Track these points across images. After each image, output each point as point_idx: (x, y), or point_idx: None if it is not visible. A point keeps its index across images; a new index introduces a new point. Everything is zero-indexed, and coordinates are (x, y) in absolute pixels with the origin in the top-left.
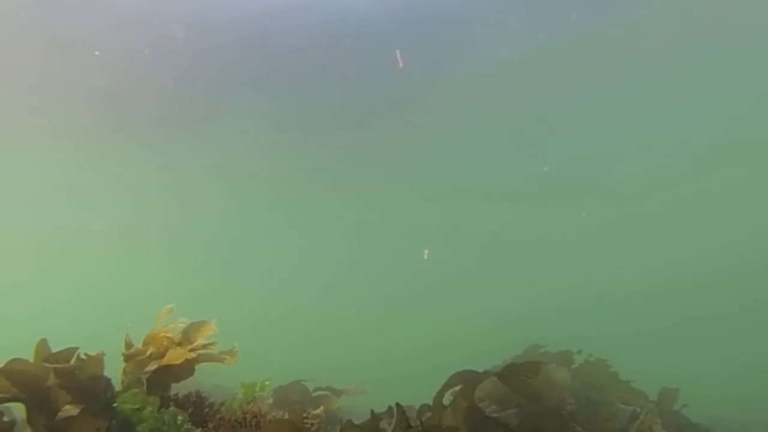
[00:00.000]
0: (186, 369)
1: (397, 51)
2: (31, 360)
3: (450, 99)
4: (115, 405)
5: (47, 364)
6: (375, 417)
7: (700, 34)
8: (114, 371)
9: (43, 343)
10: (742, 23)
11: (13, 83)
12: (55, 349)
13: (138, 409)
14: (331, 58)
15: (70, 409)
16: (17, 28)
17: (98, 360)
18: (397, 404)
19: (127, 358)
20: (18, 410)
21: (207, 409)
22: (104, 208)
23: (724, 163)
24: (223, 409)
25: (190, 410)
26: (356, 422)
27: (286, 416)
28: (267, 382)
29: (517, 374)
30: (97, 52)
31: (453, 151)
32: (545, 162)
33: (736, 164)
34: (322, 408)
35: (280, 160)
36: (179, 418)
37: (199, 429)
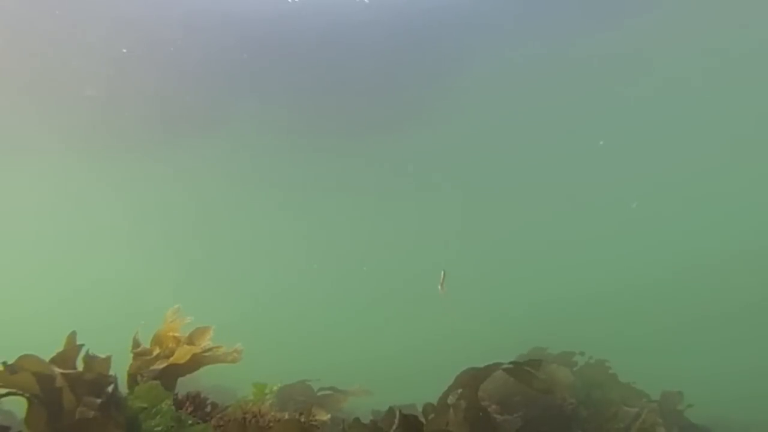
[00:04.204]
0: (191, 365)
1: None
2: (61, 347)
3: (458, 101)
4: (128, 399)
5: (56, 368)
6: (376, 420)
7: (726, 36)
8: (115, 370)
9: (72, 336)
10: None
11: (15, 85)
12: (59, 346)
13: (146, 408)
14: (338, 62)
15: (83, 411)
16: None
17: (106, 360)
18: (399, 410)
19: (136, 356)
20: (19, 408)
21: (208, 409)
22: (108, 213)
23: (728, 166)
24: (229, 409)
25: (190, 410)
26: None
27: (287, 416)
28: (275, 387)
29: (523, 368)
30: (124, 50)
31: (457, 154)
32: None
33: (741, 166)
34: (329, 416)
35: (285, 164)
36: (190, 420)
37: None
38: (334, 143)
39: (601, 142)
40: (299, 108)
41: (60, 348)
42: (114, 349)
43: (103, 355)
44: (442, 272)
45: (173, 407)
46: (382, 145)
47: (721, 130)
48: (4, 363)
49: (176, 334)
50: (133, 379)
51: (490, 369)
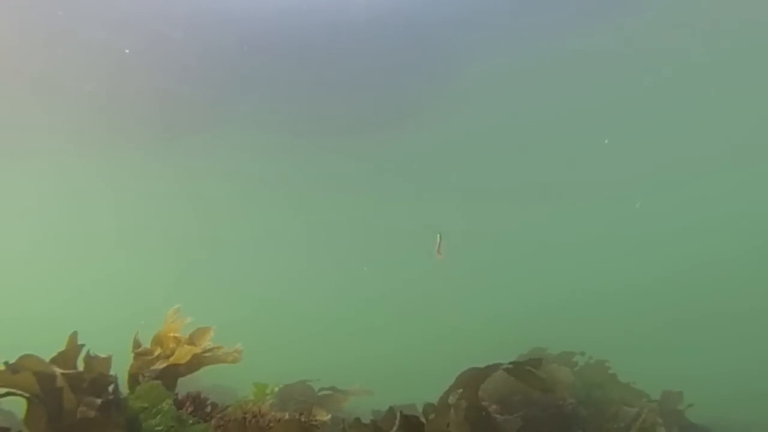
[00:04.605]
0: (192, 365)
1: None
2: (64, 347)
3: (457, 100)
4: (129, 399)
5: (56, 368)
6: (377, 420)
7: (724, 33)
8: (116, 370)
9: (73, 336)
10: None
11: (13, 83)
12: (59, 346)
13: (147, 408)
14: (338, 61)
15: (84, 411)
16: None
17: (106, 360)
18: (400, 410)
19: (136, 356)
20: (19, 408)
21: (209, 409)
22: (107, 211)
23: (730, 165)
24: (229, 409)
25: (190, 410)
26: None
27: (287, 416)
28: (276, 388)
29: (524, 367)
30: (127, 50)
31: (457, 152)
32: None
33: (742, 166)
34: (329, 416)
35: (284, 163)
36: (190, 419)
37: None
38: (334, 142)
39: (606, 141)
40: (299, 107)
41: (61, 348)
42: (115, 349)
43: (103, 355)
44: (438, 236)
45: (174, 407)
46: (382, 144)
47: (723, 130)
48: (5, 363)
49: (177, 335)
50: (133, 379)
51: (490, 369)
